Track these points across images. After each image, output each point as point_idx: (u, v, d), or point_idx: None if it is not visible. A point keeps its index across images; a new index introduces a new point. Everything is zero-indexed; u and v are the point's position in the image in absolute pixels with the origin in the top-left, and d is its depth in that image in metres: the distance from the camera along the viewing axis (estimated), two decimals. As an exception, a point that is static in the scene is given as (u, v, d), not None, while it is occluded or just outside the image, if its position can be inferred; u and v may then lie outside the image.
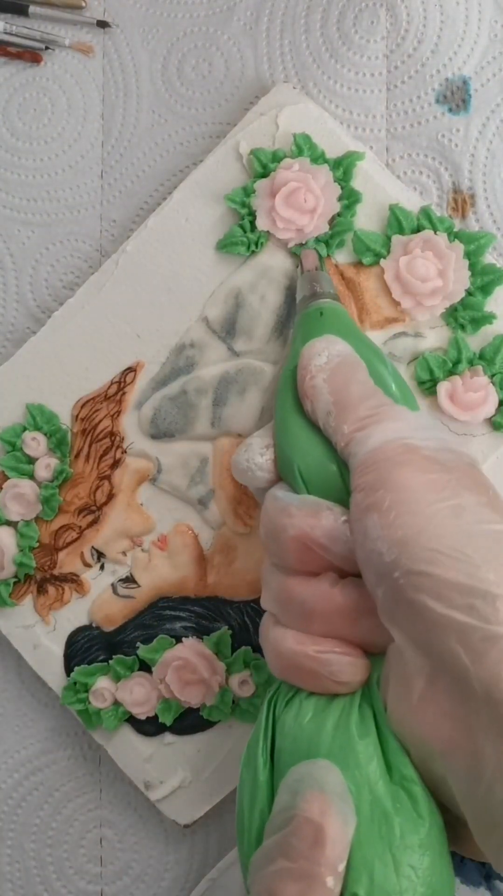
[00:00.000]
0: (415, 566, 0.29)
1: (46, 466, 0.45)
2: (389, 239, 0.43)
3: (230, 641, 0.44)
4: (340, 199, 0.43)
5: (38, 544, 0.45)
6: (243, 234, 0.44)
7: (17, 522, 0.45)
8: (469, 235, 0.43)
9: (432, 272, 0.43)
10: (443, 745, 0.29)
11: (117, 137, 0.47)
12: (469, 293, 0.43)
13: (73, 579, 0.45)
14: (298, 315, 0.40)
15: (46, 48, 0.47)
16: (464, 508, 0.30)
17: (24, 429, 0.45)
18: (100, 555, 0.45)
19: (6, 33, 0.47)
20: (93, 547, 0.45)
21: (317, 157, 0.43)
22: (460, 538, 0.29)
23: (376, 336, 0.43)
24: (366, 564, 0.31)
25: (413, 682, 0.30)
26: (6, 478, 0.45)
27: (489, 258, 0.43)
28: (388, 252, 0.43)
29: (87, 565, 0.45)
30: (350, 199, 0.43)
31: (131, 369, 0.45)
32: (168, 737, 0.44)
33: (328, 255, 0.43)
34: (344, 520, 0.34)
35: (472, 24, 0.45)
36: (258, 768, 0.34)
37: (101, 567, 0.45)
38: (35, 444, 0.45)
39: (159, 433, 0.45)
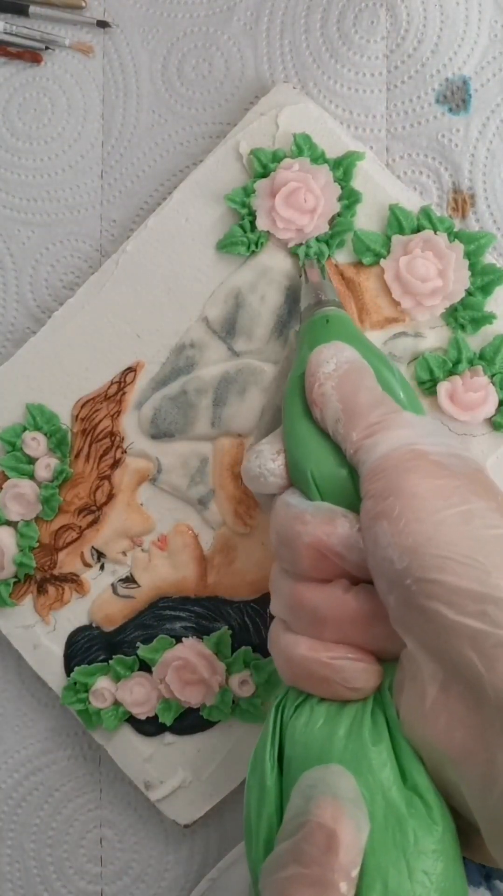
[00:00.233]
0: (426, 574, 0.29)
1: (46, 466, 0.45)
2: (389, 239, 0.43)
3: (230, 641, 0.44)
4: (340, 199, 0.43)
5: (38, 544, 0.45)
6: (243, 234, 0.44)
7: (17, 522, 0.45)
8: (469, 235, 0.43)
9: (432, 272, 0.43)
10: (456, 751, 0.29)
11: (117, 137, 0.47)
12: (469, 293, 0.43)
13: (73, 579, 0.45)
14: (304, 322, 0.40)
15: (46, 48, 0.47)
16: (473, 514, 0.30)
17: (24, 429, 0.45)
18: (100, 555, 0.45)
19: (6, 33, 0.47)
20: (93, 547, 0.45)
21: (317, 157, 0.43)
22: (470, 544, 0.29)
23: (376, 336, 0.43)
24: (378, 572, 0.31)
25: (426, 688, 0.30)
26: (6, 478, 0.45)
27: (489, 258, 0.43)
28: (388, 252, 0.43)
29: (87, 565, 0.45)
30: (350, 199, 0.43)
31: (131, 369, 0.45)
32: (168, 737, 0.44)
33: (328, 256, 0.43)
34: (359, 527, 0.33)
35: (472, 24, 0.45)
36: (266, 774, 0.33)
37: (101, 567, 0.45)
38: (35, 444, 0.45)
39: (159, 433, 0.45)
